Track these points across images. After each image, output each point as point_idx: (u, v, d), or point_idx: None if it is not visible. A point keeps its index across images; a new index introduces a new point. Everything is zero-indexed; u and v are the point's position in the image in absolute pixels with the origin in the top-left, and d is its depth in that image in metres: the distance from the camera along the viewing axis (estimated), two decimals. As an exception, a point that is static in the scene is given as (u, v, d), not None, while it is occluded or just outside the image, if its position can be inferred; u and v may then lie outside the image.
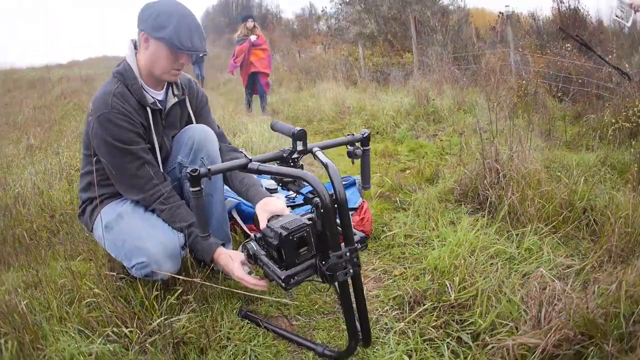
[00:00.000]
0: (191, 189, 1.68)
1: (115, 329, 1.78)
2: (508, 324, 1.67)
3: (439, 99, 7.03)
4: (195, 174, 1.67)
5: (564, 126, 5.00)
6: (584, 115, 5.59)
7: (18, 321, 1.69)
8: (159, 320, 1.78)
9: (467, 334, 1.80)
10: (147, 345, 1.72)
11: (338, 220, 1.64)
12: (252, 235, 1.98)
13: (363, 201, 2.91)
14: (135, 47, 2.13)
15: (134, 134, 2.04)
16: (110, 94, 2.02)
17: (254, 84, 8.71)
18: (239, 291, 2.06)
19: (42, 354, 1.63)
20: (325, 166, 1.69)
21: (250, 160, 1.81)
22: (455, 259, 2.15)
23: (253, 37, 8.30)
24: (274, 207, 2.08)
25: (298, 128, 1.82)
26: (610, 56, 6.72)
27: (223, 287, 2.06)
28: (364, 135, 2.03)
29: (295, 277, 1.71)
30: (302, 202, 2.78)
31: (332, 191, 1.61)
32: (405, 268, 2.39)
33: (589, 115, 5.39)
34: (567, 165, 3.49)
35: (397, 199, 3.40)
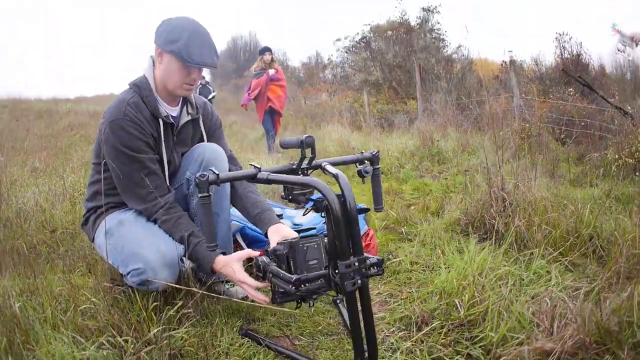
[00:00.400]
0: (199, 195, 1.68)
1: (110, 338, 1.71)
2: (520, 337, 1.60)
3: (444, 140, 7.07)
4: (204, 179, 1.67)
5: (567, 166, 5.00)
6: (587, 155, 5.59)
7: (9, 319, 1.63)
8: (156, 330, 1.72)
9: (478, 349, 1.73)
10: (142, 354, 1.66)
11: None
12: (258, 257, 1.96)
13: (368, 228, 2.87)
14: (154, 63, 2.17)
15: (143, 143, 2.07)
16: (125, 102, 2.06)
17: (273, 121, 8.28)
18: (241, 301, 1.99)
19: (32, 354, 1.56)
20: (336, 176, 1.68)
21: (260, 170, 1.81)
22: (464, 279, 2.09)
23: (272, 71, 7.90)
24: (285, 232, 2.11)
25: (306, 135, 1.82)
26: (612, 99, 6.79)
27: (224, 297, 2.03)
28: (373, 154, 2.03)
29: (306, 284, 1.68)
30: (308, 227, 2.75)
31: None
32: (411, 292, 2.33)
33: (592, 154, 5.38)
34: (572, 198, 3.46)
35: (403, 230, 3.36)
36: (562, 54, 11.74)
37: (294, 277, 1.68)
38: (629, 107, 6.34)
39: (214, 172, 1.72)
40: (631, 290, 1.55)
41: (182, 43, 2.00)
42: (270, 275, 1.84)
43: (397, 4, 17.78)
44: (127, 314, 1.88)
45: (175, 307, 1.87)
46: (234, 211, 2.46)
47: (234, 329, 2.01)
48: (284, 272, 1.76)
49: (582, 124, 6.89)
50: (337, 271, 1.62)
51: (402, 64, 13.79)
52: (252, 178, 1.81)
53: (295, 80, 21.57)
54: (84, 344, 1.68)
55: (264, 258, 1.90)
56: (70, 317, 1.83)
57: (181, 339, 1.78)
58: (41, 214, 2.98)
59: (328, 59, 18.64)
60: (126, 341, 1.68)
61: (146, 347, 1.70)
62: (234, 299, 2.29)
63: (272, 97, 7.93)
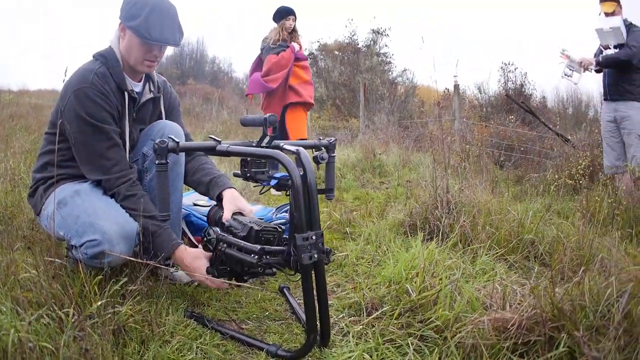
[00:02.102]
0: (156, 162, 1.64)
1: (49, 312, 1.61)
2: (473, 317, 1.63)
3: (385, 155, 7.19)
4: (164, 145, 1.64)
5: (506, 186, 5.19)
6: (526, 176, 5.84)
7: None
8: (99, 303, 1.63)
9: (430, 330, 1.75)
10: (86, 327, 1.57)
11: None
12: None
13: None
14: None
15: (108, 115, 2.01)
16: (92, 72, 2.00)
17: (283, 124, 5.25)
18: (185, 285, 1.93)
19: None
20: (297, 153, 1.70)
21: (219, 142, 1.79)
22: (412, 269, 2.12)
23: (296, 46, 5.18)
24: (241, 204, 2.08)
25: (269, 114, 1.81)
26: (554, 127, 7.15)
27: (176, 269, 2.00)
28: (331, 142, 2.07)
29: (268, 256, 1.67)
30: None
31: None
32: (359, 282, 2.33)
33: (531, 175, 5.62)
34: (514, 208, 3.58)
35: (347, 230, 3.37)
36: (506, 83, 12.24)
37: (259, 246, 1.66)
38: (569, 136, 6.69)
39: (173, 140, 1.68)
40: (582, 276, 1.61)
41: (142, 19, 1.96)
42: (225, 246, 1.80)
43: (347, 24, 17.96)
44: (68, 288, 1.78)
45: (120, 284, 1.79)
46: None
47: (179, 311, 1.95)
48: (245, 243, 1.74)
49: (522, 149, 7.20)
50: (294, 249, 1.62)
51: (347, 82, 13.98)
52: (212, 150, 1.79)
53: (238, 91, 21.41)
54: (23, 315, 1.58)
55: (217, 229, 1.87)
56: (9, 288, 1.72)
57: (125, 315, 1.70)
58: (-23, 195, 2.81)
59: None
60: (67, 314, 1.58)
61: (88, 321, 1.62)
62: (179, 283, 2.23)
63: (296, 84, 5.14)
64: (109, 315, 1.62)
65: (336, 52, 15.67)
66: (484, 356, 1.47)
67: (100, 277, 1.75)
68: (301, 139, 4.73)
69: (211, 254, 1.89)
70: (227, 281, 1.88)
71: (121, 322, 1.67)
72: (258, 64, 5.36)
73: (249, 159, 1.84)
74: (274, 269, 1.77)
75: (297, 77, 5.20)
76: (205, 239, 1.89)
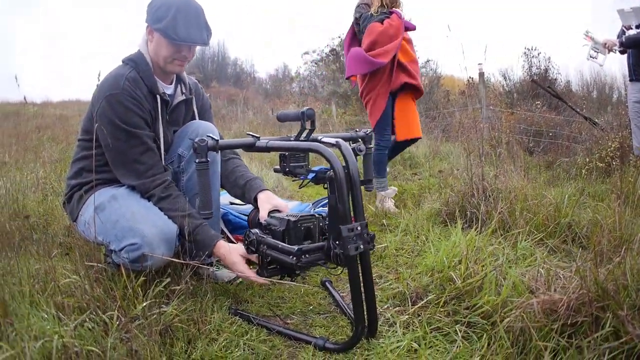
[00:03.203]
0: (197, 161, 1.65)
1: (93, 315, 1.61)
2: (519, 301, 1.59)
3: (415, 146, 7.13)
4: (204, 143, 1.64)
5: (538, 171, 5.10)
6: (557, 161, 5.73)
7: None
8: (144, 304, 1.64)
9: (477, 317, 1.72)
10: (132, 329, 1.58)
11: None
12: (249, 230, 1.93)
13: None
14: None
15: (141, 120, 2.02)
16: (123, 77, 2.01)
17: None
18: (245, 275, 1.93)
19: (12, 329, 1.47)
20: (337, 145, 1.68)
21: (259, 138, 1.79)
22: (454, 257, 2.09)
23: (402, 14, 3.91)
24: (277, 202, 2.09)
25: (307, 107, 1.80)
26: (581, 110, 7.00)
27: (217, 267, 2.03)
28: (367, 133, 2.06)
29: (307, 255, 1.66)
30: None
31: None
32: (401, 272, 2.30)
33: (561, 160, 5.52)
34: (549, 192, 3.52)
35: (384, 221, 3.35)
36: (530, 69, 12.01)
37: (296, 247, 1.65)
38: (596, 119, 6.55)
39: (212, 138, 1.69)
40: (623, 256, 1.57)
41: (168, 20, 1.96)
42: (265, 247, 1.80)
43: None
44: (110, 292, 1.79)
45: (163, 284, 1.80)
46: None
47: (223, 308, 1.95)
48: (283, 244, 1.73)
49: (550, 134, 7.06)
50: (337, 242, 1.60)
51: (371, 76, 13.87)
52: (251, 146, 1.79)
53: (262, 91, 21.55)
54: (66, 321, 1.59)
55: (256, 230, 1.87)
56: (50, 294, 1.73)
57: (170, 315, 1.71)
58: (13, 203, 2.87)
59: (295, 72, 18.66)
60: (111, 317, 1.60)
61: (133, 322, 1.63)
62: (221, 282, 2.24)
63: (406, 62, 3.92)
64: (155, 316, 1.63)
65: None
66: (534, 339, 1.44)
67: (143, 278, 1.75)
68: (415, 139, 4.06)
69: (255, 255, 1.89)
70: (272, 279, 1.88)
71: (167, 322, 1.67)
72: (353, 38, 4.17)
73: (287, 153, 1.84)
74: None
75: (406, 53, 3.94)
76: (246, 241, 1.90)
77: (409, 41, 4.02)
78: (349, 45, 4.14)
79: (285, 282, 1.94)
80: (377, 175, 4.02)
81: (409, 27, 3.93)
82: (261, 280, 1.87)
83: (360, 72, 3.93)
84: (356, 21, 4.02)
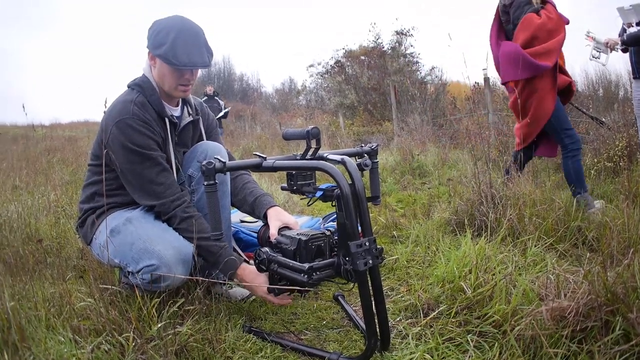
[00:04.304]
0: (205, 183, 1.67)
1: (109, 337, 1.64)
2: (529, 308, 1.60)
3: (423, 155, 7.14)
4: (211, 166, 1.67)
5: (547, 175, 5.09)
6: (565, 164, 5.71)
7: (2, 317, 1.55)
8: (159, 325, 1.66)
9: (488, 326, 1.73)
10: (148, 349, 1.60)
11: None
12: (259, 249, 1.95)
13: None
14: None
15: (153, 142, 2.04)
16: (131, 103, 2.03)
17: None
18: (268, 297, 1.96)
19: (29, 352, 1.50)
20: (342, 162, 1.70)
21: (265, 159, 1.81)
22: (465, 267, 2.10)
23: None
24: (286, 219, 2.10)
25: (312, 126, 1.83)
26: (588, 110, 6.97)
27: (233, 285, 2.02)
28: (373, 148, 2.07)
29: (317, 272, 1.68)
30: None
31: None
32: (412, 283, 2.31)
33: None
34: (557, 196, 3.52)
35: (394, 233, 3.36)
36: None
37: (307, 265, 1.67)
38: (603, 118, 6.51)
39: (220, 160, 1.71)
40: (631, 258, 1.58)
41: (168, 46, 1.98)
42: (276, 266, 1.83)
43: (371, 28, 18.02)
44: (125, 313, 1.82)
45: (178, 305, 1.82)
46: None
47: (237, 326, 1.97)
48: (294, 262, 1.76)
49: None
50: (346, 258, 1.63)
51: (377, 86, 13.97)
52: (258, 166, 1.81)
53: (269, 106, 21.66)
54: (82, 344, 1.62)
55: (267, 249, 1.89)
56: (66, 318, 1.77)
57: (185, 335, 1.73)
58: (26, 227, 2.91)
59: (302, 85, 18.78)
60: (127, 339, 1.62)
61: (149, 343, 1.65)
62: (234, 300, 2.26)
63: (563, 63, 3.59)
64: (170, 336, 1.65)
65: (362, 57, 15.71)
66: (544, 346, 1.45)
67: (157, 299, 1.78)
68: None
69: (266, 274, 1.91)
70: (289, 295, 1.90)
71: (182, 342, 1.69)
72: (499, 29, 3.61)
73: (294, 172, 1.86)
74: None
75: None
76: (257, 260, 1.92)
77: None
78: (497, 38, 3.57)
79: (301, 290, 1.96)
80: (578, 189, 3.42)
81: (565, 21, 3.45)
82: (285, 302, 1.91)
83: (521, 77, 3.37)
84: (504, 8, 3.48)
